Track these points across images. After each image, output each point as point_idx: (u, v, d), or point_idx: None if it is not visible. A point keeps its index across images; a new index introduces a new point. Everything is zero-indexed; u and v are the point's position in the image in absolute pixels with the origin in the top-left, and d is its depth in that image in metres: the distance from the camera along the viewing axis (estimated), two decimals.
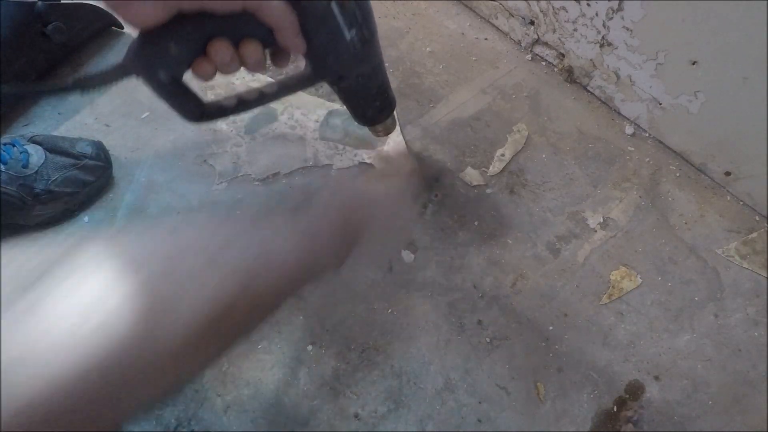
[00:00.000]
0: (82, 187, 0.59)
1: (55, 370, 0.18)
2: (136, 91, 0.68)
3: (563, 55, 0.74)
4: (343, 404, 0.52)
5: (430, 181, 0.65)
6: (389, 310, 0.57)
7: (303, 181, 0.65)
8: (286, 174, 0.65)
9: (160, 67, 0.32)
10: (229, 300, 0.24)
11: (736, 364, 0.56)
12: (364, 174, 0.42)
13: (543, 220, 0.64)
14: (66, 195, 0.58)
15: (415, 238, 0.61)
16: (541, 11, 0.71)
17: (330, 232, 0.33)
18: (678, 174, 0.68)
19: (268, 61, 0.36)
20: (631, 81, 0.67)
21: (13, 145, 0.56)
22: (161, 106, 0.37)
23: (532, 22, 0.74)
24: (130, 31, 0.72)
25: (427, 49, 0.78)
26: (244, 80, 0.72)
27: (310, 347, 0.55)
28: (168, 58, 0.32)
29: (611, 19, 0.62)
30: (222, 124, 0.69)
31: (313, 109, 0.70)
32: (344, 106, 0.47)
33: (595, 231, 0.63)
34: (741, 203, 0.66)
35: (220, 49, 0.32)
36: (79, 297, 0.20)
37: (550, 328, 0.57)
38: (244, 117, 0.69)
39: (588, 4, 0.64)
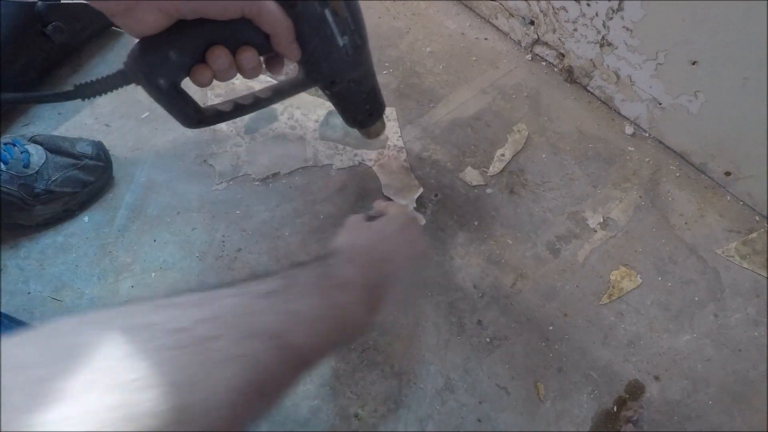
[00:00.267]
0: (82, 187, 0.59)
1: None
2: (136, 91, 0.67)
3: (563, 55, 0.74)
4: (343, 404, 0.52)
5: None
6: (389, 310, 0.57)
7: (303, 181, 0.65)
8: (286, 174, 0.65)
9: (160, 74, 0.33)
10: (270, 365, 0.23)
11: (736, 364, 0.56)
12: (377, 222, 0.40)
13: (543, 220, 0.64)
14: (66, 195, 0.58)
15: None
16: (541, 11, 0.71)
17: (359, 294, 0.31)
18: (678, 174, 0.68)
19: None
20: (631, 81, 0.67)
21: (14, 145, 0.56)
22: (161, 107, 0.37)
23: (532, 22, 0.74)
24: None
25: (427, 49, 0.78)
26: (244, 82, 0.72)
27: None
28: (168, 65, 0.32)
29: (611, 19, 0.62)
30: (222, 124, 0.68)
31: (313, 109, 0.70)
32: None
33: (595, 231, 0.63)
34: (741, 203, 0.66)
35: (219, 55, 0.32)
36: (107, 379, 0.18)
37: (550, 328, 0.57)
38: (244, 117, 0.69)
39: (588, 4, 0.64)
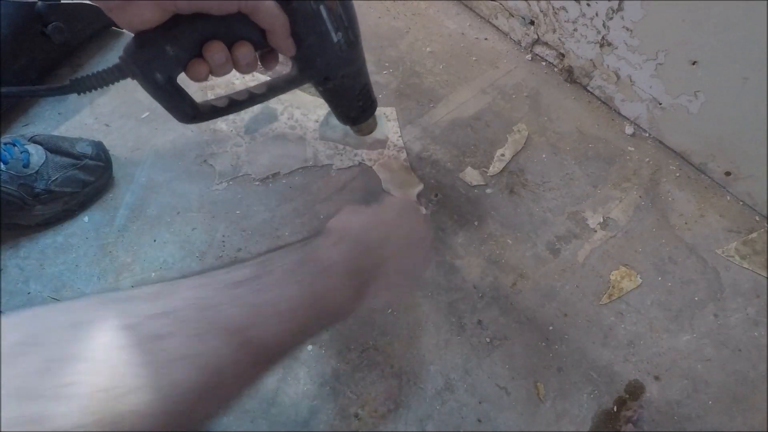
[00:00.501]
0: (82, 187, 0.59)
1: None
2: (136, 91, 0.67)
3: (563, 55, 0.74)
4: (343, 404, 0.52)
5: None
6: (389, 310, 0.57)
7: (303, 181, 0.65)
8: (286, 174, 0.65)
9: (156, 69, 0.33)
10: (229, 361, 0.22)
11: (736, 364, 0.56)
12: (374, 206, 0.38)
13: (543, 220, 0.64)
14: (66, 195, 0.58)
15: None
16: (541, 11, 0.71)
17: (342, 280, 0.29)
18: (678, 174, 0.68)
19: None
20: (631, 81, 0.67)
21: (14, 145, 0.56)
22: (161, 106, 0.37)
23: (532, 22, 0.74)
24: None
25: (427, 49, 0.78)
26: (243, 80, 0.72)
27: (310, 347, 0.55)
28: (164, 60, 0.32)
29: (611, 19, 0.62)
30: (222, 124, 0.69)
31: (313, 109, 0.70)
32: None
33: (595, 231, 0.63)
34: (741, 203, 0.66)
35: (216, 50, 0.32)
36: (90, 358, 0.18)
37: (550, 328, 0.57)
38: (244, 117, 0.69)
39: (588, 4, 0.64)
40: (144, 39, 0.31)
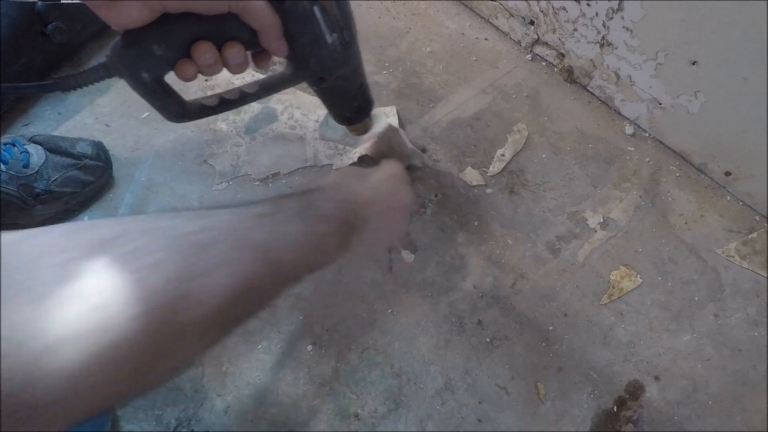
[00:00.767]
0: (82, 187, 0.59)
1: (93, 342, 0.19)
2: None
3: (563, 55, 0.74)
4: (343, 404, 0.52)
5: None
6: (389, 310, 0.57)
7: (303, 181, 0.65)
8: (286, 174, 0.65)
9: (143, 68, 0.32)
10: (257, 274, 0.26)
11: (736, 364, 0.56)
12: (365, 170, 0.43)
13: (543, 220, 0.64)
14: (66, 195, 0.58)
15: (415, 238, 0.61)
16: (541, 11, 0.71)
17: (333, 228, 0.34)
18: (678, 174, 0.68)
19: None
20: (631, 81, 0.67)
21: (14, 145, 0.56)
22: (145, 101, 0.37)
23: (532, 22, 0.74)
24: None
25: (427, 49, 0.78)
26: (244, 80, 0.71)
27: (310, 347, 0.55)
28: (151, 59, 0.32)
29: (611, 19, 0.62)
30: (222, 124, 0.69)
31: (313, 109, 0.70)
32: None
33: (595, 231, 0.63)
34: (741, 203, 0.66)
35: (204, 51, 0.32)
36: (114, 270, 0.21)
37: (550, 328, 0.57)
38: (244, 117, 0.69)
39: (588, 4, 0.64)
40: (131, 38, 0.31)
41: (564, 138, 0.70)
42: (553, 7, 0.69)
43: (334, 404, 0.52)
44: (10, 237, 0.20)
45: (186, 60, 0.32)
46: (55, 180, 0.57)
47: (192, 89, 0.69)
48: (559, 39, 0.72)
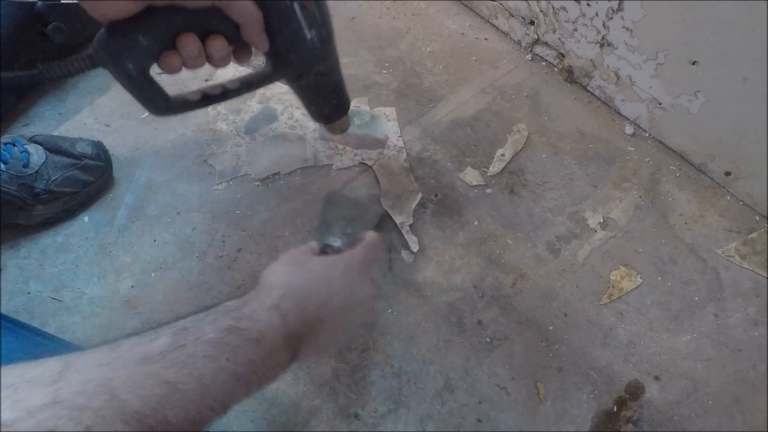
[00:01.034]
0: (82, 187, 0.59)
1: None
2: None
3: (563, 55, 0.74)
4: (343, 404, 0.52)
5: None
6: (389, 310, 0.57)
7: (303, 181, 0.65)
8: (286, 174, 0.65)
9: (128, 59, 0.33)
10: None
11: (736, 364, 0.56)
12: (320, 258, 0.37)
13: (543, 220, 0.64)
14: (66, 195, 0.58)
15: (415, 238, 0.61)
16: (541, 11, 0.71)
17: (273, 346, 0.28)
18: (678, 174, 0.68)
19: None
20: (631, 81, 0.67)
21: (14, 145, 0.56)
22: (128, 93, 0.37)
23: (532, 22, 0.74)
24: None
25: (427, 49, 0.78)
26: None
27: None
28: (136, 51, 0.32)
29: (611, 19, 0.62)
30: (222, 124, 0.69)
31: None
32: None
33: (595, 231, 0.63)
34: (741, 203, 0.66)
35: (189, 43, 0.32)
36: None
37: (550, 328, 0.57)
38: (244, 117, 0.69)
39: (588, 4, 0.64)
40: (116, 29, 0.32)
41: (564, 138, 0.70)
42: (553, 7, 0.69)
43: (334, 404, 0.52)
44: None
45: (171, 52, 0.33)
46: (55, 180, 0.57)
47: (186, 86, 0.69)
48: (559, 39, 0.72)
